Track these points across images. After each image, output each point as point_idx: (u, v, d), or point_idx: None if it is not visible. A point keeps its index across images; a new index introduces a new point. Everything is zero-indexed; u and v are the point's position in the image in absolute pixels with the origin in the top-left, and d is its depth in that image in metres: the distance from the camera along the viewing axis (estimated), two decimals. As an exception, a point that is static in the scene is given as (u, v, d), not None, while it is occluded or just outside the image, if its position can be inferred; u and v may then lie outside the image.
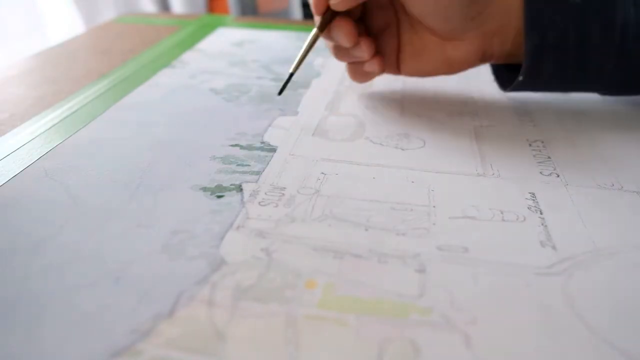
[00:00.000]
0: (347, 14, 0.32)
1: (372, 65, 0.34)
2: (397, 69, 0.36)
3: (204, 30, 0.58)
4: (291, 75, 0.33)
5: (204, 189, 0.26)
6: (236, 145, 0.30)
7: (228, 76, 0.42)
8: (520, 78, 0.32)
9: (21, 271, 0.20)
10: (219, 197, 0.25)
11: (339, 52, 0.35)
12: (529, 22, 0.30)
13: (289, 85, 0.33)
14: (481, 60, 0.34)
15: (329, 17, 0.32)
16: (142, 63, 0.46)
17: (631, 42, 0.31)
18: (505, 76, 0.36)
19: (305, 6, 1.17)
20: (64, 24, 1.38)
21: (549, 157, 0.30)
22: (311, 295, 0.19)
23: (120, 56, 0.48)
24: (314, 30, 0.33)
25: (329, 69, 0.44)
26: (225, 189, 0.26)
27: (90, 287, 0.19)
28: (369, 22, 0.35)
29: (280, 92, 0.34)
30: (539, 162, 0.29)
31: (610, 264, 0.21)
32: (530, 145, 0.31)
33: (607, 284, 0.20)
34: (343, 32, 0.32)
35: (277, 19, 0.68)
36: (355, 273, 0.20)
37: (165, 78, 0.42)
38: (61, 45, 0.53)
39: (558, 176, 0.28)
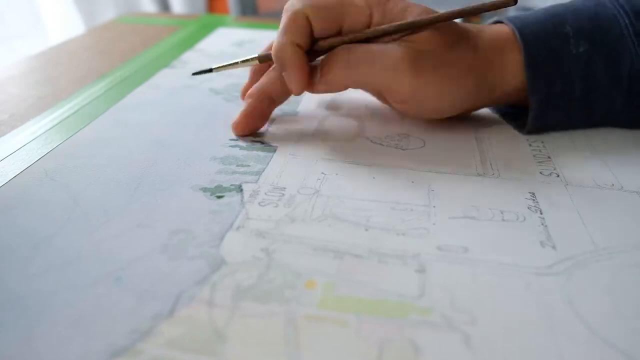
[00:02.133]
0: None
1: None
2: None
3: (204, 31, 0.58)
4: (210, 70, 0.33)
5: (204, 189, 0.26)
6: (236, 145, 0.30)
7: (228, 76, 0.42)
8: (527, 129, 0.32)
9: (21, 271, 0.20)
10: (219, 197, 0.25)
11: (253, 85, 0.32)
12: (533, 76, 0.30)
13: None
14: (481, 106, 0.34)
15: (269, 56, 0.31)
16: (142, 63, 0.46)
17: (636, 84, 0.30)
18: (512, 116, 0.35)
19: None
20: (64, 24, 1.38)
21: (549, 157, 0.30)
22: (311, 295, 0.19)
23: (120, 56, 0.48)
24: (254, 58, 0.32)
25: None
26: (225, 189, 0.26)
27: (90, 286, 0.19)
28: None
29: (194, 73, 0.34)
30: (539, 162, 0.29)
31: (610, 264, 0.21)
32: (530, 145, 0.31)
33: (607, 284, 0.20)
34: (296, 78, 0.29)
35: (277, 19, 0.68)
36: (355, 273, 0.20)
37: (165, 78, 0.42)
38: (61, 45, 0.53)
39: (558, 176, 0.28)
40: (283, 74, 0.29)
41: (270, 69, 0.32)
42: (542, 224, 0.23)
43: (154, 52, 0.50)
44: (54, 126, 0.33)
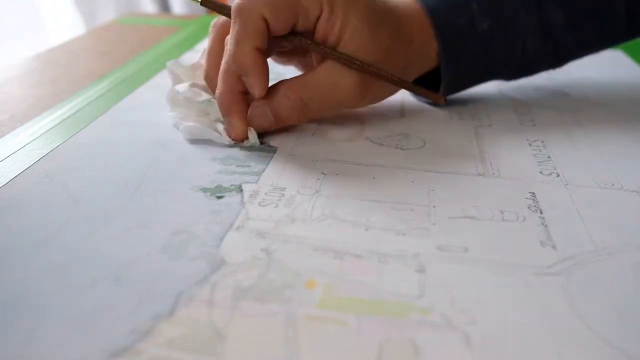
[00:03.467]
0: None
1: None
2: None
3: (204, 31, 0.58)
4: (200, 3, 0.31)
5: (204, 190, 0.26)
6: (236, 145, 0.30)
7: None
8: (443, 102, 0.35)
9: (21, 271, 0.20)
10: (219, 197, 0.25)
11: (212, 76, 0.32)
12: (444, 59, 0.32)
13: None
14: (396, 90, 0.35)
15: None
16: (142, 64, 0.46)
17: (529, 47, 0.34)
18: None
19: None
20: (64, 24, 1.38)
21: (549, 157, 0.30)
22: (311, 295, 0.19)
23: (121, 57, 0.48)
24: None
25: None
26: (225, 189, 0.26)
27: (90, 287, 0.19)
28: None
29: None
30: (539, 162, 0.29)
31: (610, 264, 0.21)
32: (530, 145, 0.31)
33: (607, 284, 0.20)
34: (257, 82, 0.29)
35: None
36: (355, 273, 0.20)
37: (165, 79, 0.42)
38: (61, 46, 0.53)
39: (558, 176, 0.28)
40: (244, 78, 0.29)
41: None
42: (542, 224, 0.23)
43: (154, 52, 0.50)
44: (54, 126, 0.33)
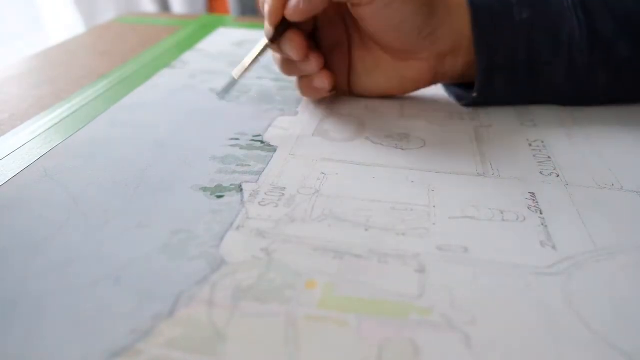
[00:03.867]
0: (298, 27, 0.31)
1: (321, 80, 0.33)
2: (347, 88, 0.36)
3: (204, 31, 0.58)
4: (235, 80, 0.33)
5: (204, 189, 0.26)
6: (236, 145, 0.30)
7: (228, 76, 0.42)
8: (475, 95, 0.33)
9: (21, 271, 0.20)
10: (219, 197, 0.25)
11: (287, 66, 0.34)
12: (478, 44, 0.31)
13: (289, 85, 0.34)
14: (434, 80, 0.35)
15: (281, 29, 0.31)
16: (142, 63, 0.46)
17: (577, 55, 0.32)
18: (460, 91, 0.36)
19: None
20: (64, 24, 1.38)
21: (549, 157, 0.30)
22: (311, 295, 0.19)
23: (120, 56, 0.48)
24: (264, 41, 0.32)
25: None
26: (225, 189, 0.26)
27: (90, 287, 0.19)
28: (320, 39, 0.34)
29: (221, 94, 0.33)
30: (539, 162, 0.29)
31: (610, 264, 0.21)
32: (530, 145, 0.31)
33: (607, 284, 0.20)
34: (294, 44, 0.31)
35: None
36: (355, 273, 0.20)
37: (165, 78, 0.42)
38: (61, 45, 0.53)
39: (558, 176, 0.28)
40: (265, 9, 0.31)
41: None
42: (542, 224, 0.23)
43: (154, 52, 0.50)
44: (53, 125, 0.33)
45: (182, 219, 0.23)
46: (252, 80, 0.41)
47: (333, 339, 0.17)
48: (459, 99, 0.36)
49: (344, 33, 0.34)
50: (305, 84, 0.34)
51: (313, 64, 0.32)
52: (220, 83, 0.41)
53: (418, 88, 0.35)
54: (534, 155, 0.30)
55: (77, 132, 0.32)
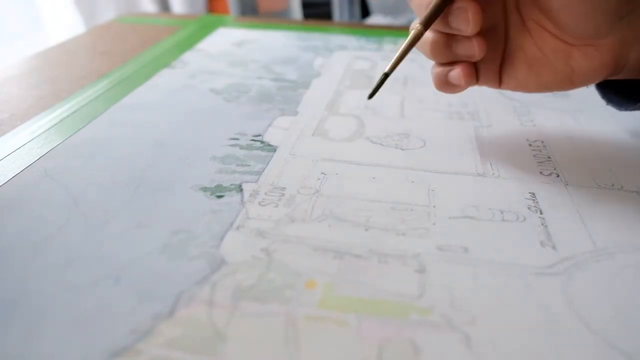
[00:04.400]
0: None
1: (458, 76, 0.28)
2: (497, 81, 0.30)
3: (204, 31, 0.58)
4: (386, 76, 0.28)
5: (204, 189, 0.26)
6: (236, 145, 0.30)
7: (228, 76, 0.42)
8: None
9: (21, 271, 0.20)
10: (219, 197, 0.25)
11: (439, 48, 0.28)
12: None
13: (289, 85, 0.33)
14: (609, 73, 0.28)
15: (438, 7, 0.26)
16: (142, 63, 0.46)
17: None
18: (618, 95, 0.30)
19: (305, 6, 1.17)
20: (64, 24, 1.38)
21: (549, 157, 0.30)
22: (311, 295, 0.19)
23: (120, 56, 0.48)
24: (417, 27, 0.27)
25: (329, 69, 0.44)
26: (225, 189, 0.26)
27: (90, 287, 0.19)
28: None
29: (370, 96, 0.29)
30: (539, 162, 0.29)
31: (610, 264, 0.21)
32: (530, 145, 0.31)
33: (607, 284, 0.20)
34: (470, 14, 0.26)
35: (277, 19, 0.68)
36: (355, 273, 0.20)
37: (165, 78, 0.42)
38: (61, 45, 0.53)
39: (558, 176, 0.28)
40: None
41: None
42: (542, 224, 0.23)
43: (154, 52, 0.50)
44: (53, 125, 0.33)
45: (182, 219, 0.23)
46: (252, 80, 0.42)
47: (333, 339, 0.17)
48: (623, 106, 0.29)
49: (501, 15, 0.28)
50: (441, 75, 0.29)
51: (475, 47, 0.27)
52: (221, 83, 0.41)
53: (587, 83, 0.28)
54: (534, 155, 0.30)
55: (77, 132, 0.32)
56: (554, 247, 0.22)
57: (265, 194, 0.25)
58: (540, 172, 0.28)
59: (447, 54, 0.28)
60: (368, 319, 0.18)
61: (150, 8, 1.47)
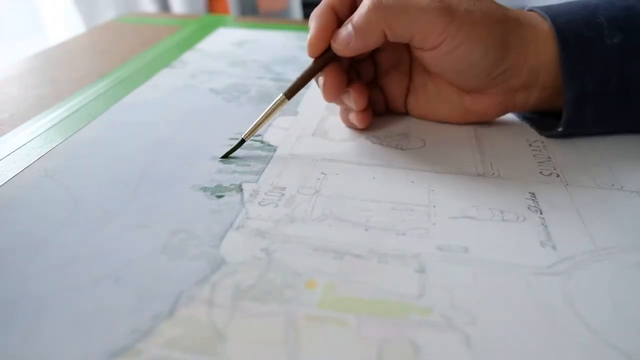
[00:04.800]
0: (338, 59, 0.29)
1: (355, 120, 0.31)
2: (403, 109, 0.34)
3: (204, 30, 0.58)
4: (243, 141, 0.29)
5: (204, 189, 0.26)
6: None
7: (228, 76, 0.42)
8: (560, 129, 0.30)
9: (21, 271, 0.20)
10: (219, 197, 0.25)
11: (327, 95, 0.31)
12: (567, 73, 0.28)
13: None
14: (501, 113, 0.32)
15: (321, 64, 0.29)
16: (142, 63, 0.46)
17: None
18: (539, 119, 0.34)
19: (305, 6, 1.17)
20: (64, 24, 1.38)
21: (549, 157, 0.30)
22: (311, 295, 0.19)
23: (120, 56, 0.48)
24: (281, 96, 0.29)
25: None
26: (225, 189, 0.26)
27: (90, 287, 0.19)
28: (379, 58, 0.32)
29: (225, 156, 0.29)
30: (539, 162, 0.29)
31: (610, 264, 0.21)
32: (530, 145, 0.31)
33: (607, 284, 0.20)
34: (329, 87, 0.29)
35: (277, 19, 0.68)
36: (355, 273, 0.20)
37: (165, 78, 0.42)
38: (61, 45, 0.53)
39: (558, 176, 0.28)
40: (308, 36, 0.29)
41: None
42: (542, 224, 0.23)
43: (154, 52, 0.50)
44: (53, 125, 0.33)
45: (182, 219, 0.23)
46: (252, 80, 0.42)
47: (333, 339, 0.17)
48: (539, 128, 0.33)
49: (407, 54, 0.33)
50: (343, 114, 0.33)
51: (353, 104, 0.30)
52: (221, 83, 0.41)
53: (483, 120, 0.33)
54: (534, 155, 0.30)
55: (77, 132, 0.32)
56: (554, 247, 0.22)
57: (265, 194, 0.25)
58: (540, 172, 0.28)
59: (337, 101, 0.32)
60: (368, 319, 0.18)
61: (150, 8, 1.47)
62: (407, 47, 0.31)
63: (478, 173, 0.28)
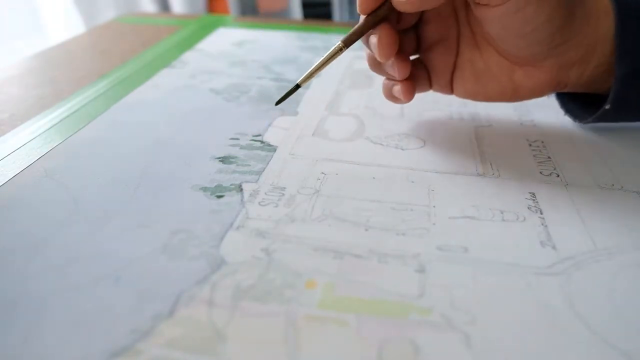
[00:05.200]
0: (391, 21, 0.28)
1: (398, 92, 0.30)
2: (449, 89, 0.32)
3: (204, 30, 0.58)
4: (298, 86, 0.28)
5: (204, 189, 0.26)
6: (236, 144, 0.30)
7: (228, 76, 0.42)
8: (607, 107, 0.28)
9: (21, 271, 0.20)
10: (219, 197, 0.25)
11: (373, 61, 0.30)
12: (622, 47, 0.27)
13: (289, 85, 0.33)
14: (553, 90, 0.30)
15: (372, 22, 0.27)
16: (142, 63, 0.46)
17: None
18: (579, 110, 0.32)
19: (305, 6, 1.17)
20: (64, 24, 1.38)
21: (549, 157, 0.30)
22: (311, 295, 0.19)
23: (120, 56, 0.48)
24: (339, 43, 0.28)
25: (329, 69, 0.44)
26: (225, 189, 0.26)
27: (90, 287, 0.19)
28: (422, 30, 0.30)
29: (278, 102, 0.29)
30: (539, 162, 0.29)
31: (610, 264, 0.21)
32: (530, 145, 0.31)
33: (607, 284, 0.20)
34: (381, 45, 0.27)
35: (277, 19, 0.68)
36: (355, 273, 0.20)
37: (165, 78, 0.42)
38: (61, 45, 0.53)
39: (558, 176, 0.28)
40: None
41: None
42: (542, 224, 0.23)
43: (154, 52, 0.50)
44: (53, 125, 0.33)
45: (182, 219, 0.23)
46: (252, 80, 0.42)
47: (333, 339, 0.17)
48: (577, 116, 0.32)
49: (454, 27, 0.30)
50: (387, 87, 0.31)
51: (395, 72, 0.29)
52: (221, 83, 0.41)
53: (532, 97, 0.31)
54: (534, 155, 0.30)
55: (77, 132, 0.32)
56: (554, 247, 0.22)
57: (265, 194, 0.25)
58: (540, 172, 0.28)
59: (379, 70, 0.30)
60: (368, 319, 0.18)
61: (150, 8, 1.47)
62: (455, 18, 0.30)
63: (478, 173, 0.28)
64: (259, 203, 0.25)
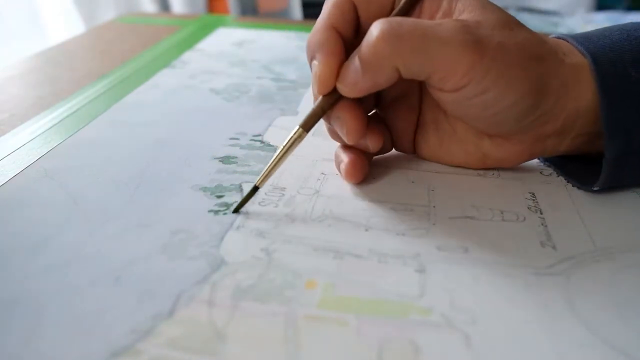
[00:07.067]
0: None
1: (344, 171, 0.26)
2: (411, 149, 0.29)
3: (204, 30, 0.58)
4: (256, 188, 0.24)
5: (204, 189, 0.26)
6: (236, 145, 0.30)
7: (228, 76, 0.42)
8: (596, 189, 0.25)
9: (21, 271, 0.20)
10: (219, 197, 0.25)
11: (334, 136, 0.27)
12: (612, 126, 0.23)
13: (289, 85, 0.33)
14: (526, 160, 0.27)
15: (333, 99, 0.24)
16: (142, 63, 0.46)
17: None
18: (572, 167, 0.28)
19: (305, 6, 1.17)
20: (64, 24, 1.38)
21: (549, 157, 0.30)
22: (311, 295, 0.19)
23: (120, 56, 0.48)
24: (296, 129, 0.24)
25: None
26: (225, 188, 0.26)
27: (90, 287, 0.19)
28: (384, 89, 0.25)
29: (236, 210, 0.24)
30: (539, 162, 0.29)
31: (610, 264, 0.21)
32: (530, 145, 0.31)
33: (607, 284, 0.20)
34: (347, 126, 0.24)
35: (277, 19, 0.68)
36: (355, 273, 0.20)
37: (165, 78, 0.42)
38: (61, 45, 0.53)
39: (558, 176, 0.28)
40: (314, 71, 0.24)
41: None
42: (542, 224, 0.23)
43: (154, 52, 0.50)
44: (53, 126, 0.33)
45: (182, 219, 0.23)
46: (252, 80, 0.42)
47: (333, 339, 0.17)
48: (578, 181, 0.27)
49: (417, 84, 0.27)
50: (336, 162, 0.27)
51: (369, 146, 0.26)
52: (221, 83, 0.41)
53: (505, 167, 0.28)
54: (534, 155, 0.30)
55: (77, 132, 0.32)
56: (554, 247, 0.22)
57: (265, 194, 0.25)
58: (540, 172, 0.28)
59: (340, 141, 0.27)
60: (368, 319, 0.18)
61: (150, 8, 1.47)
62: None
63: (478, 173, 0.28)
64: (259, 203, 0.25)
